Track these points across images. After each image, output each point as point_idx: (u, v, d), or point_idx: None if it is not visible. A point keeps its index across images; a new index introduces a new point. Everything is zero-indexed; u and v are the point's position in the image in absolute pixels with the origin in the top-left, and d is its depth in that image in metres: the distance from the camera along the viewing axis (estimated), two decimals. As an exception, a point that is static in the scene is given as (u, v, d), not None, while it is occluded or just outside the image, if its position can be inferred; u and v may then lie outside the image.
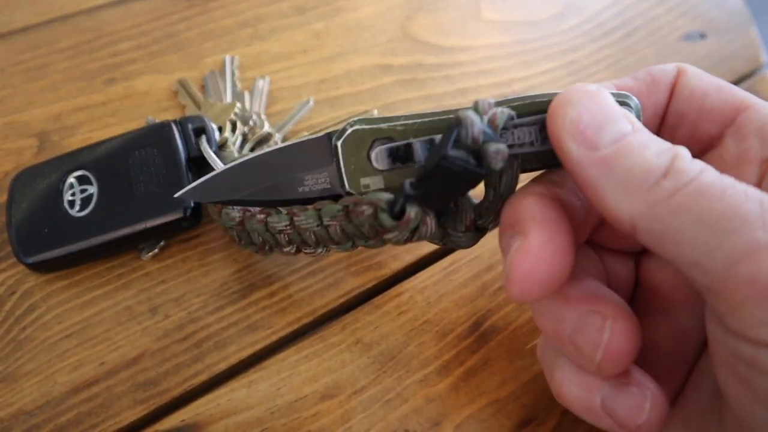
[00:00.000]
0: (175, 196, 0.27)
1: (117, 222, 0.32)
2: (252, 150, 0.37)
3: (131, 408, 0.29)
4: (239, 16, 0.46)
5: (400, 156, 0.25)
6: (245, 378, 0.30)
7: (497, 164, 0.22)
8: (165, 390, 0.30)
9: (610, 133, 0.21)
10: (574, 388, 0.24)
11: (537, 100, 0.24)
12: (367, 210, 0.25)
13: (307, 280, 0.33)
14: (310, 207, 0.27)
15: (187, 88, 0.41)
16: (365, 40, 0.45)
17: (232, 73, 0.41)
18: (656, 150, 0.20)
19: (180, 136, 0.35)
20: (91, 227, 0.32)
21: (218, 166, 0.33)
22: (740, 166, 0.25)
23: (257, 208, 0.29)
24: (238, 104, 0.39)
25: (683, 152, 0.21)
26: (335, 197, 0.26)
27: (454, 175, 0.22)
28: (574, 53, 0.46)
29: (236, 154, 0.36)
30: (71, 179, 0.34)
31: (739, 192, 0.19)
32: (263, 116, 0.39)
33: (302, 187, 0.26)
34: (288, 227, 0.28)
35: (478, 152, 0.22)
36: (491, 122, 0.23)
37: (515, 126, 0.24)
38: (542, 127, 0.24)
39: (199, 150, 0.34)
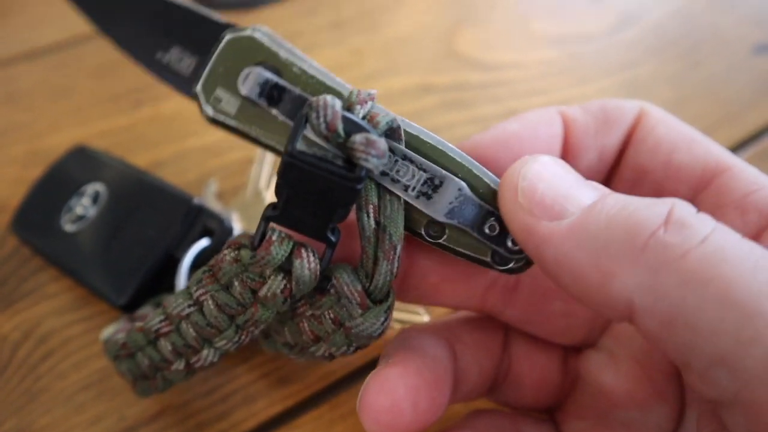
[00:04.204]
0: None
1: (75, 262, 0.31)
2: None
3: (151, 471, 0.27)
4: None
5: (271, 95, 0.20)
6: (275, 438, 0.27)
7: (369, 160, 0.17)
8: (188, 451, 0.27)
9: (575, 200, 0.17)
10: None
11: (458, 158, 0.19)
12: (229, 254, 0.20)
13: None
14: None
15: (261, 165, 0.35)
16: (406, 56, 0.42)
17: None
18: (644, 203, 0.16)
19: (187, 225, 0.29)
20: (60, 247, 0.32)
21: (179, 287, 0.27)
22: None
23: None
24: None
25: (681, 201, 0.16)
26: (185, 91, 0.22)
27: (313, 178, 0.17)
28: (634, 68, 0.42)
29: None
30: (91, 188, 0.32)
31: None
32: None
33: (162, 54, 0.22)
34: (164, 323, 0.22)
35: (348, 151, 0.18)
36: (369, 117, 0.18)
37: (403, 156, 0.19)
38: (431, 182, 0.19)
39: (178, 254, 0.29)
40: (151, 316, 0.23)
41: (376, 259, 0.19)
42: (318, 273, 0.19)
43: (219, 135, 0.38)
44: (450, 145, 0.19)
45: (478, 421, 0.22)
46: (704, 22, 0.45)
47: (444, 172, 0.19)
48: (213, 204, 0.33)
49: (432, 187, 0.19)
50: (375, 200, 0.19)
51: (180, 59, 0.22)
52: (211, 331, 0.21)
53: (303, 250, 0.19)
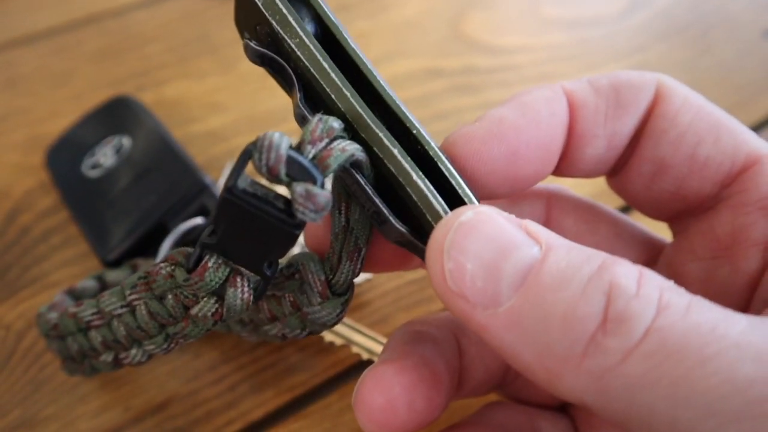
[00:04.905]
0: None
1: (81, 207, 0.32)
2: None
3: (158, 461, 0.26)
4: (276, 14, 0.43)
5: (271, 65, 0.19)
6: (284, 427, 0.27)
7: (306, 214, 0.16)
8: (195, 441, 0.27)
9: (509, 272, 0.15)
10: None
11: (415, 195, 0.17)
12: (165, 268, 0.19)
13: (351, 316, 0.30)
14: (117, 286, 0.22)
15: None
16: (413, 40, 0.41)
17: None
18: (581, 280, 0.14)
19: (186, 199, 0.30)
20: (74, 188, 0.33)
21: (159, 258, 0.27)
22: (736, 247, 0.19)
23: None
24: None
25: (622, 277, 0.14)
26: None
27: (251, 218, 0.16)
28: (644, 53, 0.41)
29: None
30: (117, 140, 0.33)
31: (729, 342, 0.13)
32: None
33: None
34: (96, 316, 0.22)
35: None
36: (319, 158, 0.17)
37: (358, 184, 0.18)
38: (377, 216, 0.18)
39: (170, 226, 0.30)
40: (84, 306, 0.22)
41: (340, 257, 0.19)
42: (251, 303, 0.19)
43: (223, 120, 0.37)
44: (416, 177, 0.18)
45: (493, 415, 0.22)
46: (714, 5, 0.44)
47: (387, 215, 0.18)
48: None
49: (378, 220, 0.18)
50: (348, 199, 0.19)
51: None
52: (141, 333, 0.21)
53: (238, 279, 0.19)
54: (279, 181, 0.16)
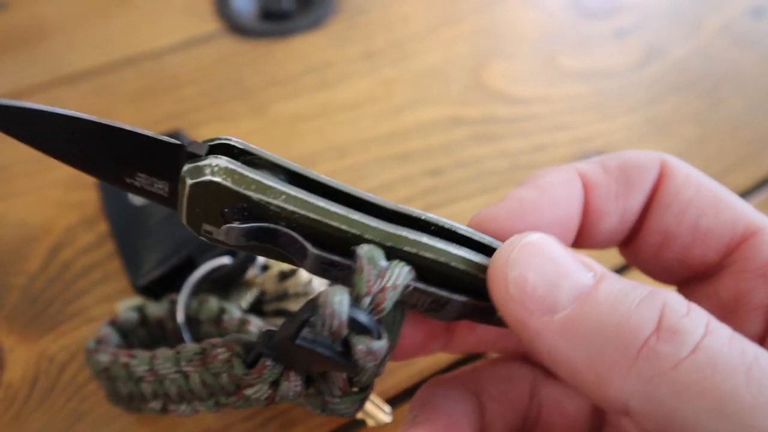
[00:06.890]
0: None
1: (122, 231, 0.34)
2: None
3: (193, 494, 0.28)
4: (305, 60, 0.45)
5: (258, 236, 0.19)
6: (313, 464, 0.28)
7: (366, 364, 0.18)
8: (228, 475, 0.28)
9: (567, 288, 0.17)
10: None
11: (461, 272, 0.19)
12: (223, 354, 0.21)
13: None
14: (171, 350, 0.23)
15: None
16: (436, 88, 0.43)
17: None
18: (635, 298, 0.16)
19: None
20: (119, 212, 0.35)
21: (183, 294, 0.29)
22: (739, 310, 0.20)
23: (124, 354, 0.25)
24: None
25: (673, 300, 0.16)
26: (168, 204, 0.20)
27: (310, 355, 0.18)
28: (658, 105, 0.43)
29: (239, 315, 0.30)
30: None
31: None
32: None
33: (131, 179, 0.20)
34: (148, 373, 0.23)
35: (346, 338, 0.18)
36: (375, 305, 0.18)
37: (413, 290, 0.19)
38: (437, 302, 0.19)
39: (198, 262, 0.31)
40: (137, 361, 0.24)
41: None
42: (302, 395, 0.21)
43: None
44: (454, 250, 0.19)
45: None
46: (725, 59, 0.46)
47: (448, 296, 0.19)
48: None
49: (439, 305, 0.20)
50: None
51: (151, 183, 0.20)
52: (191, 395, 0.22)
53: (291, 374, 0.20)
54: (336, 337, 0.17)
